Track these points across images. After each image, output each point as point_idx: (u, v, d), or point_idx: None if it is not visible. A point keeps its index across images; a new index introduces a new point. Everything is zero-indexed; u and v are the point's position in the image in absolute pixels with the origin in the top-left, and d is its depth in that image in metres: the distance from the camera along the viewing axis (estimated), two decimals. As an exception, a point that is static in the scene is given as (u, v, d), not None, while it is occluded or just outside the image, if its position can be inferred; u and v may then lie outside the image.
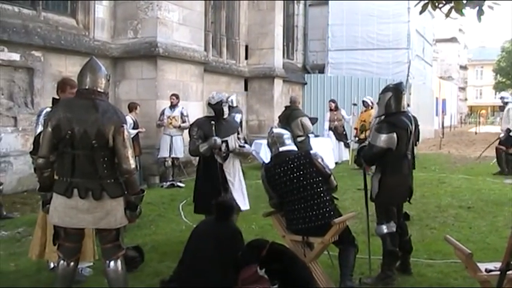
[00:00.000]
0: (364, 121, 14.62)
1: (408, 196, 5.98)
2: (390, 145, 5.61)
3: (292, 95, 15.04)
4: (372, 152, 5.74)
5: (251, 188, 11.58)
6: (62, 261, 4.52)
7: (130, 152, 4.43)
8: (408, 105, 6.44)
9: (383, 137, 5.62)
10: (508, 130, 14.17)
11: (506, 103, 14.73)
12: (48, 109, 5.78)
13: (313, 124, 12.42)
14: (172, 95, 12.37)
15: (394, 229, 5.70)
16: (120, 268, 4.56)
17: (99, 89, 4.49)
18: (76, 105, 4.43)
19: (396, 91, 5.87)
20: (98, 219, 4.40)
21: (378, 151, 5.65)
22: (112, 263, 4.53)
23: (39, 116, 5.83)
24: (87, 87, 4.47)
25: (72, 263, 4.54)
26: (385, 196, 5.74)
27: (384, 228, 5.69)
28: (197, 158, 6.96)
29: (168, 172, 12.36)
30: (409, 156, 5.84)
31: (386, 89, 5.97)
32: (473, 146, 24.30)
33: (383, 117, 5.87)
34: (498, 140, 14.61)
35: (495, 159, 14.75)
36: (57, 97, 5.76)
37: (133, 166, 4.44)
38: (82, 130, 4.28)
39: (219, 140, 6.51)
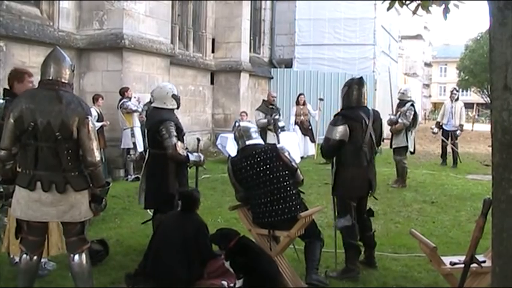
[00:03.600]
0: None
1: (368, 190, 5.99)
2: (342, 137, 5.67)
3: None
4: (327, 144, 5.83)
5: (217, 182, 11.63)
6: (24, 255, 4.45)
7: (95, 144, 4.37)
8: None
9: (336, 129, 5.69)
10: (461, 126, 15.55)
11: (457, 99, 15.67)
12: (0, 101, 5.65)
13: None
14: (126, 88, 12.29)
15: (350, 223, 5.72)
16: (84, 262, 4.50)
17: (63, 80, 4.40)
18: (39, 96, 4.34)
19: (354, 85, 5.92)
20: (62, 212, 4.33)
21: (332, 143, 5.73)
22: (77, 257, 4.48)
23: None
24: (50, 77, 4.38)
25: (35, 257, 4.47)
26: (341, 189, 5.83)
27: (341, 222, 5.75)
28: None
29: (134, 165, 12.24)
30: (366, 149, 5.81)
31: (345, 84, 6.04)
32: (437, 142, 24.59)
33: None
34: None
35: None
36: (8, 88, 5.63)
37: (98, 159, 4.39)
38: (45, 122, 4.20)
39: (203, 157, 6.44)
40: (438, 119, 15.99)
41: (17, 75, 5.62)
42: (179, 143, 5.96)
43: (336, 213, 5.92)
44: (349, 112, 5.82)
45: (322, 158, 9.81)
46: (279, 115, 13.52)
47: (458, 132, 15.38)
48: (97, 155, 4.38)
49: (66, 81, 4.43)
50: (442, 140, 15.65)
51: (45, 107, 4.25)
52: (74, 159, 4.36)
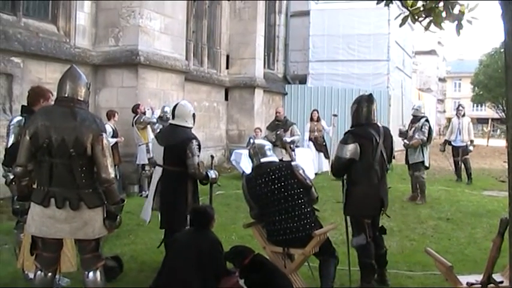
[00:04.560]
0: None
1: (380, 208, 5.93)
2: (353, 155, 5.64)
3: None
4: (337, 163, 5.82)
5: (231, 198, 11.62)
6: (39, 272, 4.46)
7: (109, 161, 4.38)
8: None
9: (346, 147, 5.66)
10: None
11: (463, 115, 15.75)
12: (19, 117, 5.72)
13: None
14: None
15: (365, 241, 5.69)
16: (99, 279, 4.51)
17: (78, 97, 4.44)
18: (54, 113, 4.38)
19: (363, 102, 5.91)
20: (76, 229, 4.34)
21: (342, 162, 5.71)
22: (91, 274, 4.48)
23: (9, 125, 5.74)
24: (66, 95, 4.43)
25: (50, 274, 4.48)
26: (352, 207, 5.79)
27: (355, 241, 5.72)
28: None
29: (148, 181, 12.25)
30: (377, 167, 5.76)
31: (354, 101, 6.02)
32: (451, 158, 24.48)
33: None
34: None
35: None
36: (26, 104, 5.69)
37: (112, 175, 4.39)
38: (60, 138, 4.23)
39: (217, 174, 6.48)
40: (446, 137, 15.97)
41: (43, 93, 5.66)
42: (200, 163, 6.04)
43: (351, 231, 5.89)
44: (359, 130, 5.80)
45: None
46: (286, 130, 13.07)
47: (470, 148, 15.36)
48: (111, 172, 4.38)
49: (81, 99, 4.47)
50: (453, 158, 15.58)
51: (60, 123, 4.29)
52: (88, 176, 4.38)
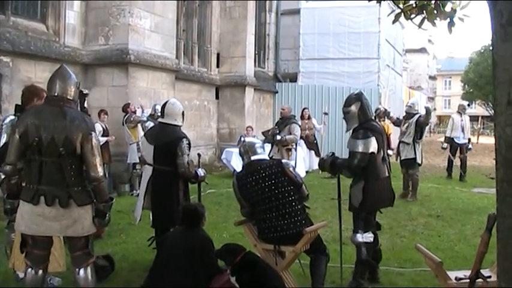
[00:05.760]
0: None
1: (391, 200, 6.02)
2: (374, 149, 5.66)
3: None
4: (356, 159, 5.68)
5: (222, 196, 11.63)
6: (29, 269, 4.49)
7: (98, 160, 4.41)
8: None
9: (369, 142, 5.66)
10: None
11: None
12: (12, 117, 5.73)
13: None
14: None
15: (372, 239, 5.73)
16: (89, 276, 4.54)
17: (68, 97, 4.47)
18: (44, 112, 4.41)
19: (364, 99, 6.00)
20: (65, 227, 4.36)
21: (363, 157, 5.64)
22: (82, 271, 4.51)
23: (2, 124, 5.74)
24: (56, 94, 4.45)
25: (40, 271, 4.49)
26: (370, 203, 5.76)
27: (360, 237, 5.72)
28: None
29: (139, 180, 12.21)
30: (387, 160, 5.95)
31: (351, 101, 6.00)
32: (442, 155, 24.58)
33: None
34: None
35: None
36: (20, 104, 5.68)
37: (101, 174, 4.43)
38: (49, 137, 4.26)
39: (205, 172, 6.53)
40: (447, 134, 15.83)
41: (38, 92, 5.65)
42: (190, 162, 6.06)
43: (353, 228, 5.87)
44: (371, 125, 5.86)
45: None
46: (281, 128, 12.77)
47: (470, 146, 15.51)
48: (100, 170, 4.41)
49: (71, 98, 4.50)
50: (450, 155, 15.59)
51: (50, 122, 4.31)
52: (78, 174, 4.40)
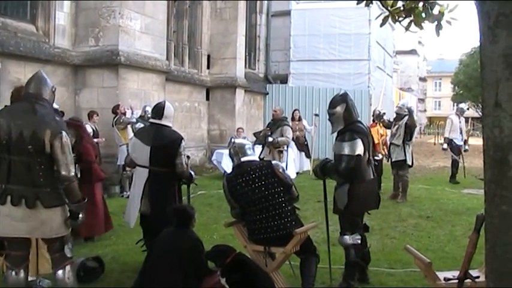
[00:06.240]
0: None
1: (377, 203, 6.03)
2: (361, 152, 5.66)
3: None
4: (344, 162, 5.65)
5: (213, 198, 11.62)
6: (10, 271, 4.46)
7: (69, 159, 4.38)
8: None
9: (356, 144, 5.65)
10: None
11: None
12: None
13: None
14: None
15: (359, 241, 5.74)
16: (67, 277, 4.53)
17: (43, 96, 4.48)
18: (16, 109, 4.47)
19: (349, 101, 5.96)
20: (32, 228, 4.33)
21: (349, 160, 5.62)
22: (60, 272, 4.52)
23: None
24: (30, 91, 4.49)
25: (22, 272, 4.45)
26: (355, 206, 5.74)
27: (348, 239, 5.73)
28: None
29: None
30: (372, 162, 5.96)
31: (336, 102, 5.98)
32: (432, 157, 24.73)
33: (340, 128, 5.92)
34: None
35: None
36: (9, 105, 5.67)
37: (72, 173, 4.39)
38: (18, 133, 4.25)
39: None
40: (446, 135, 15.78)
41: (15, 96, 5.63)
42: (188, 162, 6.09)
43: (340, 230, 5.88)
44: (356, 127, 5.83)
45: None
46: (273, 130, 12.72)
47: (466, 147, 15.57)
48: (71, 170, 4.38)
49: (45, 98, 4.52)
50: (452, 155, 15.44)
51: (19, 118, 4.32)
52: (47, 175, 4.37)
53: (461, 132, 15.41)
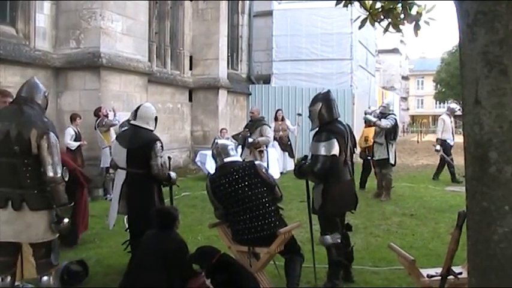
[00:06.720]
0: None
1: (354, 204, 6.04)
2: (336, 152, 5.65)
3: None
4: (319, 163, 5.65)
5: (197, 199, 11.59)
6: None
7: (56, 160, 4.34)
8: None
9: (331, 144, 5.64)
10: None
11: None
12: None
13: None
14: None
15: (339, 240, 5.76)
16: (51, 283, 4.49)
17: (35, 99, 4.47)
18: (5, 112, 4.46)
19: (326, 100, 5.93)
20: (18, 232, 4.28)
21: (325, 160, 5.62)
22: (45, 279, 4.48)
23: None
24: (22, 95, 4.49)
25: (9, 278, 4.41)
26: (330, 206, 5.75)
27: (329, 239, 5.74)
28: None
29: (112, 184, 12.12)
30: (349, 163, 5.94)
31: (315, 100, 5.99)
32: (415, 155, 24.89)
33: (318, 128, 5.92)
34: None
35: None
36: None
37: (59, 175, 4.34)
38: (5, 133, 4.23)
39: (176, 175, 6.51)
40: (438, 136, 15.59)
41: (6, 94, 5.59)
42: (164, 163, 6.04)
43: (320, 230, 5.90)
44: (333, 127, 5.81)
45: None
46: (252, 131, 12.60)
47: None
48: (58, 171, 4.33)
49: (37, 101, 4.51)
50: (444, 157, 15.30)
51: (7, 119, 4.31)
52: (34, 177, 4.32)
53: (452, 132, 15.42)
